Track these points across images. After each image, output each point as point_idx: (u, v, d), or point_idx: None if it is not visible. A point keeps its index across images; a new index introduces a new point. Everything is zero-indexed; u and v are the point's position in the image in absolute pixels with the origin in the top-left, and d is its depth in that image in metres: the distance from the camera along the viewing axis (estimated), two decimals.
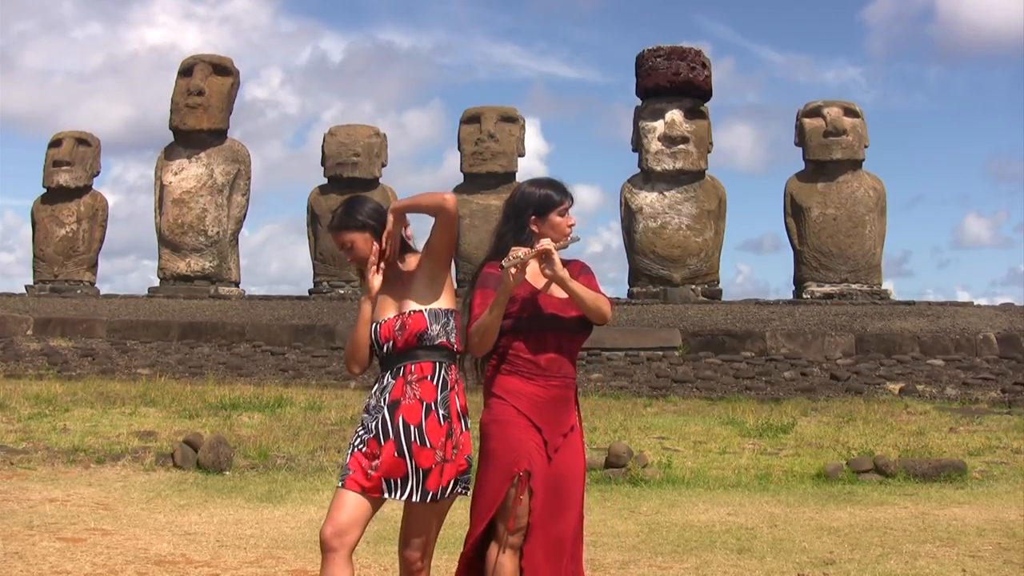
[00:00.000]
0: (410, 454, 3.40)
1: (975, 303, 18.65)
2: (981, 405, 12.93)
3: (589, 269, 3.68)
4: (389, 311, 3.55)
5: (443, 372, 3.50)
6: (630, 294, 19.41)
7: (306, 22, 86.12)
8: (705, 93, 19.79)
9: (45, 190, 21.52)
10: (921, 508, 7.34)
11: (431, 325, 3.49)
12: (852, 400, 12.88)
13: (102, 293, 21.05)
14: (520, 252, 3.44)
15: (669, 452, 9.27)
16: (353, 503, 3.39)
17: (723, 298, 19.21)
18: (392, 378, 3.49)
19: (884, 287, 19.38)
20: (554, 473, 3.48)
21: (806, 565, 5.62)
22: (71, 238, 21.30)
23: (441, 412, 3.45)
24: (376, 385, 3.56)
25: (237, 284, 20.89)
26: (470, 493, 3.52)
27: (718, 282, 19.53)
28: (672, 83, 19.28)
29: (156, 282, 20.55)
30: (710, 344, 15.72)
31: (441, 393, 3.47)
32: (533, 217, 3.61)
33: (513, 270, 3.40)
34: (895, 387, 13.94)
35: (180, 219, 20.39)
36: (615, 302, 18.05)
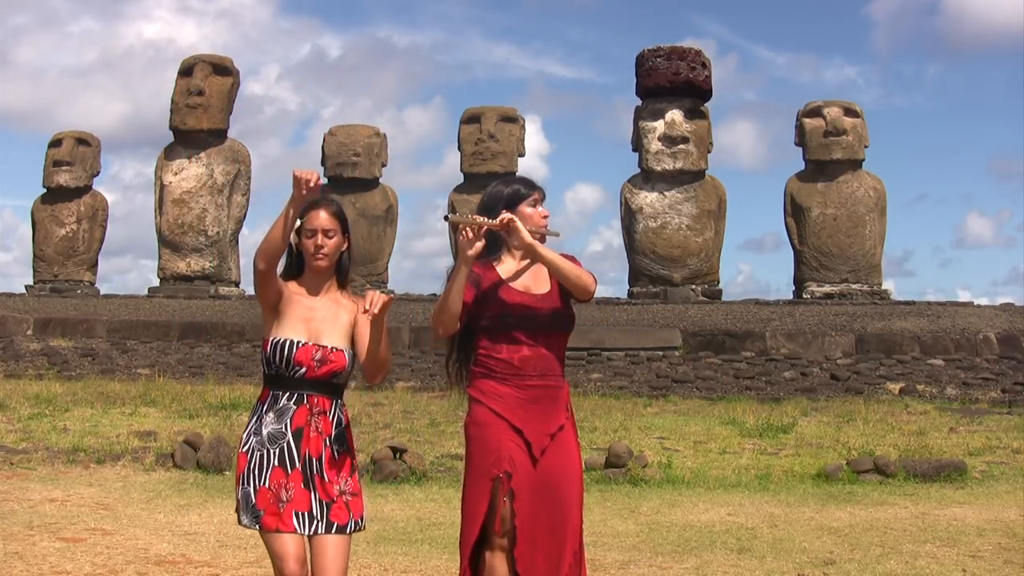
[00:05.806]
0: (313, 486, 3.35)
1: (975, 303, 18.69)
2: (981, 405, 12.93)
3: (573, 256, 3.57)
4: (307, 336, 3.43)
5: (338, 411, 3.47)
6: (630, 294, 19.41)
7: (304, 19, 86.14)
8: (705, 93, 19.81)
9: (45, 190, 21.53)
10: (921, 508, 7.34)
11: (348, 368, 3.47)
12: (852, 400, 12.89)
13: (101, 293, 21.07)
14: (477, 218, 3.37)
15: (669, 452, 9.27)
16: (294, 542, 3.29)
17: (723, 298, 19.21)
18: (293, 404, 3.38)
19: (884, 287, 19.40)
20: (544, 475, 3.37)
21: (806, 565, 5.62)
22: (71, 238, 21.30)
23: (336, 448, 3.42)
24: (264, 408, 3.41)
25: (237, 284, 20.89)
26: None
27: (718, 282, 19.55)
28: (672, 83, 19.30)
29: (155, 282, 20.57)
30: (710, 344, 15.71)
31: (336, 430, 3.44)
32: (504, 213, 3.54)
33: (479, 244, 3.31)
34: (895, 387, 13.94)
35: (180, 219, 20.40)
36: (616, 302, 18.29)
